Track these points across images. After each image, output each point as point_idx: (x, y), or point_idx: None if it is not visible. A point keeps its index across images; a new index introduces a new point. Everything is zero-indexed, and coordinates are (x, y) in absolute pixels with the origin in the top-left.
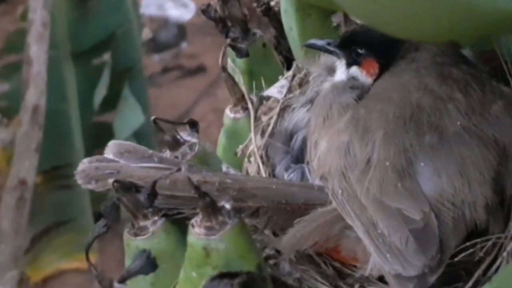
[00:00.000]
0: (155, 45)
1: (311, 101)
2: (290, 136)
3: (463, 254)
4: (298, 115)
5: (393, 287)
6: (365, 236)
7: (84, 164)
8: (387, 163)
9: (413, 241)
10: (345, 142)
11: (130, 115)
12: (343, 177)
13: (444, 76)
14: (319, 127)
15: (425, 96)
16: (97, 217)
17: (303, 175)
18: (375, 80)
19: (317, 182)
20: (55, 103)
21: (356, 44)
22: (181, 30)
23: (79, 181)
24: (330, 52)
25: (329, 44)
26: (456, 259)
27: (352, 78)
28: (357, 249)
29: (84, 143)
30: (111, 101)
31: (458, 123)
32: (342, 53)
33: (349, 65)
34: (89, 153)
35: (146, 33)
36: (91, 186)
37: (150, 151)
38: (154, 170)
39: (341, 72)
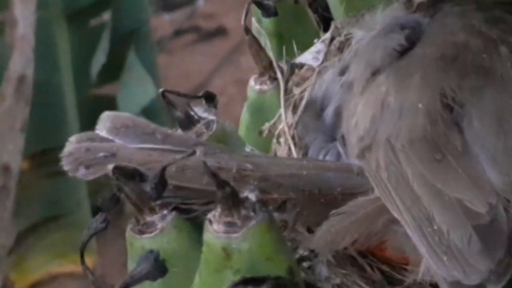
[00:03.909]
0: (165, 3)
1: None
2: (321, 108)
3: None
4: (329, 81)
5: None
6: (416, 233)
7: (72, 145)
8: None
9: (477, 240)
10: (384, 100)
11: (137, 88)
12: (389, 146)
13: (495, 20)
14: (357, 89)
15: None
16: (96, 211)
17: (338, 157)
18: None
19: (356, 161)
20: (44, 73)
21: None
22: None
23: (66, 167)
24: None
25: None
26: None
27: None
28: (406, 247)
29: (80, 121)
30: (113, 71)
31: None
32: None
33: None
34: None
35: None
36: (80, 173)
37: (153, 126)
38: (157, 153)
39: None
